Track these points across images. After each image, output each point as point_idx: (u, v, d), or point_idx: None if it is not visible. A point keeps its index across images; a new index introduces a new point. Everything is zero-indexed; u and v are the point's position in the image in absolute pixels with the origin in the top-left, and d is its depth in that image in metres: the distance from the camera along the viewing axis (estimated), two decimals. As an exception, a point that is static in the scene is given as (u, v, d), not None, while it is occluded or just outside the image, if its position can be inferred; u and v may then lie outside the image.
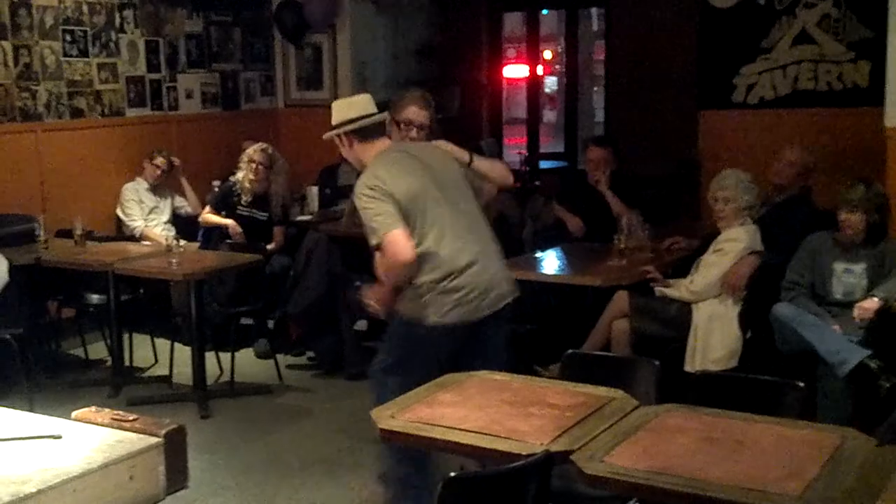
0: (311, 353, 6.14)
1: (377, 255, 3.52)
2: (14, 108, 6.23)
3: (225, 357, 5.80)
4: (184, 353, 5.70)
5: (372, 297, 3.68)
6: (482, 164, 3.90)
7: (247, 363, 6.00)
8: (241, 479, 4.40)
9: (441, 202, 3.57)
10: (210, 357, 5.66)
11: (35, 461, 4.19)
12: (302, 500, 4.18)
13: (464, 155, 3.83)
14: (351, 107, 3.73)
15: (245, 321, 6.21)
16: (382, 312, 3.68)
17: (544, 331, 5.16)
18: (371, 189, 3.50)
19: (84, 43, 6.63)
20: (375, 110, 3.71)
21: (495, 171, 3.97)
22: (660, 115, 7.33)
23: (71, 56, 6.55)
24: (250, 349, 6.24)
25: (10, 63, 6.19)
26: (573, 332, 4.83)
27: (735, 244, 4.67)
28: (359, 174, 3.69)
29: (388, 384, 3.52)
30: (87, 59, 6.65)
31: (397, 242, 3.43)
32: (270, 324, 6.31)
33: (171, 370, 5.74)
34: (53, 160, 6.47)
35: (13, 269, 5.21)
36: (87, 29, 6.64)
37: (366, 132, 3.66)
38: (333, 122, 3.72)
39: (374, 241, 3.47)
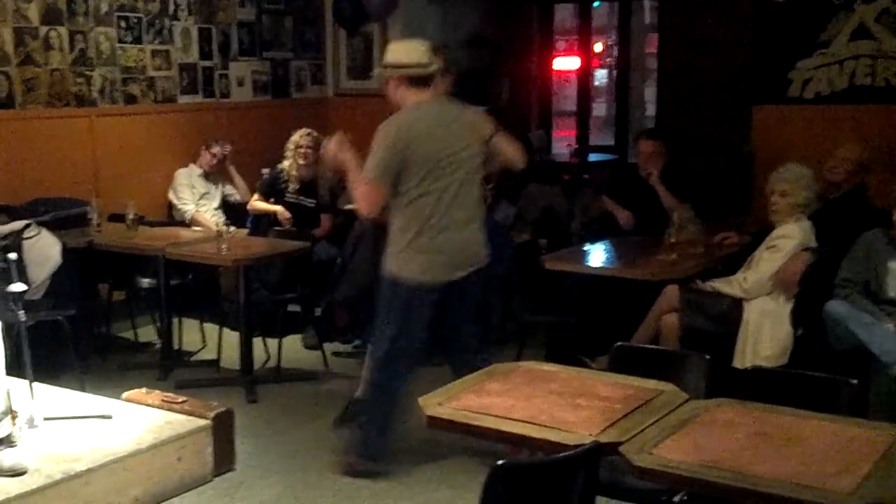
0: (357, 342, 6.17)
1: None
2: (69, 93, 6.33)
3: (272, 343, 5.84)
4: (231, 338, 5.76)
5: (336, 149, 4.00)
6: (502, 141, 4.14)
7: (293, 350, 6.04)
8: (288, 462, 4.44)
9: (447, 169, 3.86)
10: (257, 343, 5.71)
11: (86, 440, 4.24)
12: (347, 485, 4.20)
13: (489, 128, 4.09)
14: (409, 51, 3.95)
15: (292, 308, 6.26)
16: (330, 164, 4.11)
17: (590, 323, 5.14)
18: (391, 136, 3.82)
19: (138, 29, 6.71)
20: (431, 60, 3.93)
21: (511, 150, 4.17)
22: (712, 110, 7.24)
23: (125, 42, 6.63)
24: (297, 336, 6.28)
25: (66, 48, 6.28)
26: (619, 326, 4.80)
27: (788, 241, 4.61)
28: None
29: (396, 354, 4.03)
30: (141, 46, 6.73)
31: (371, 194, 3.84)
32: (317, 311, 6.35)
33: (219, 355, 5.80)
34: (107, 145, 6.56)
35: (66, 252, 5.29)
36: (142, 16, 6.72)
37: (418, 80, 3.90)
38: (389, 62, 3.95)
39: (363, 175, 3.84)
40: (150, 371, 5.67)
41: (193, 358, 6.05)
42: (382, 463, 4.22)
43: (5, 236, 5.09)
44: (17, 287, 4.30)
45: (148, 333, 6.33)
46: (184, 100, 7.06)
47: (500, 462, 2.24)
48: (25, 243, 5.09)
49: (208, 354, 5.99)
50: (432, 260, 3.90)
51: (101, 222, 5.87)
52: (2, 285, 4.58)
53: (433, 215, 3.86)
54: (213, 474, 4.24)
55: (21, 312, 4.26)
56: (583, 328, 5.14)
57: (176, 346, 5.99)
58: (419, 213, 3.86)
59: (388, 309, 4.03)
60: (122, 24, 6.60)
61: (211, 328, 6.14)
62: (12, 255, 4.51)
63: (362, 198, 3.87)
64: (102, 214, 5.92)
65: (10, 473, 3.69)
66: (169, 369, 5.69)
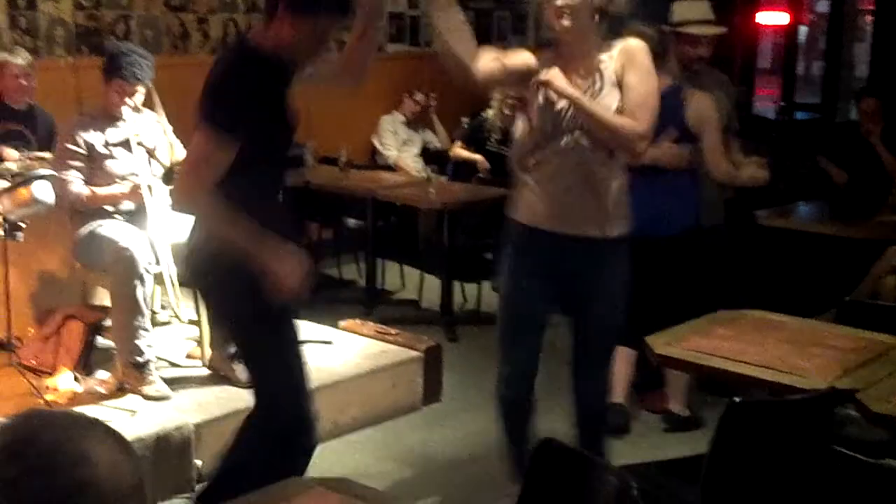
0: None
1: None
2: (290, 40, 6.64)
3: (467, 287, 6.02)
4: (427, 280, 5.98)
5: None
6: None
7: (487, 295, 6.19)
8: (490, 399, 4.56)
9: None
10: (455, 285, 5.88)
11: (311, 361, 4.54)
12: (546, 429, 4.30)
13: None
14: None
15: (485, 255, 6.43)
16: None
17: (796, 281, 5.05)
18: None
19: (352, -21, 6.94)
20: None
21: None
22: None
23: (340, -8, 6.88)
24: (487, 282, 6.43)
25: (287, -3, 6.58)
26: (826, 284, 4.69)
27: None
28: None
29: None
30: (354, -5, 6.96)
31: None
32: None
33: (420, 294, 6.02)
34: (319, 90, 6.83)
35: (284, 190, 5.60)
36: (356, -35, 6.95)
37: None
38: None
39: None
40: (355, 307, 5.93)
41: (394, 297, 6.30)
42: None
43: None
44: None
45: (350, 272, 6.63)
46: (392, 48, 7.27)
47: (736, 399, 2.29)
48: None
49: (407, 295, 6.24)
50: None
51: (314, 164, 6.17)
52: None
53: None
54: (422, 403, 4.50)
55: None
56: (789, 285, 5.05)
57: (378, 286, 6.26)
58: None
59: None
60: (338, -27, 6.84)
61: (408, 270, 6.39)
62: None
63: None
64: (316, 156, 6.22)
65: (247, 386, 4.04)
66: (372, 306, 5.95)
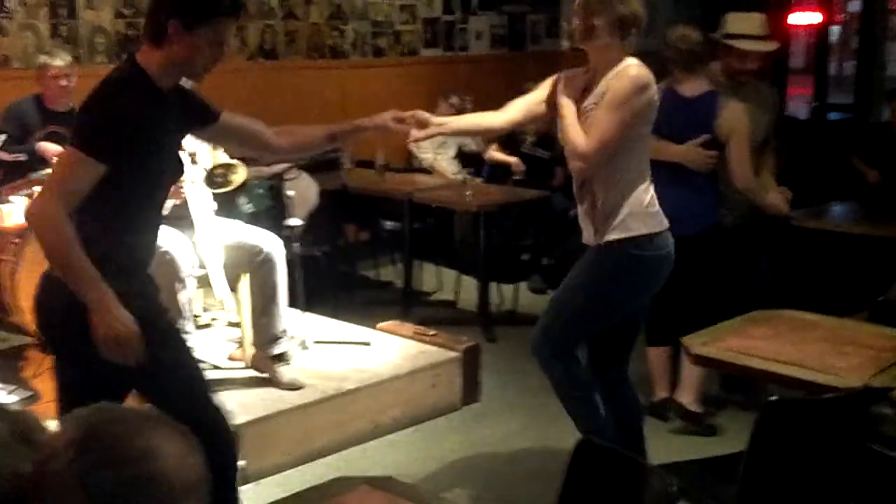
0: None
1: None
2: (324, 46, 6.75)
3: (503, 288, 6.08)
4: (464, 281, 6.05)
5: None
6: None
7: (523, 296, 6.26)
8: (529, 399, 4.64)
9: None
10: (491, 286, 5.94)
11: (351, 362, 4.66)
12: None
13: None
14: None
15: (522, 257, 6.49)
16: None
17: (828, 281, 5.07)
18: None
19: (389, -17, 7.06)
20: None
21: None
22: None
23: (376, -3, 7.00)
24: (523, 283, 6.49)
25: (324, 3, 6.70)
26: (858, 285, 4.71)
27: None
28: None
29: None
30: (390, 1, 7.07)
31: None
32: (544, 260, 6.55)
33: (457, 295, 6.09)
34: (356, 95, 6.96)
35: (322, 194, 5.71)
36: (393, -30, 7.07)
37: None
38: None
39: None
40: (392, 308, 6.01)
41: (431, 298, 6.38)
42: None
43: (270, 177, 5.55)
44: (295, 221, 4.75)
45: (388, 273, 6.72)
46: (426, 53, 7.36)
47: (772, 398, 2.34)
48: (287, 184, 5.54)
49: (444, 296, 6.31)
50: None
51: (351, 167, 6.26)
52: (271, 221, 5.04)
53: None
54: (461, 403, 4.56)
55: (296, 245, 4.71)
56: (823, 285, 5.07)
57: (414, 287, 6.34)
58: None
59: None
60: (374, -22, 6.97)
61: (445, 272, 6.46)
62: (290, 193, 4.97)
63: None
64: (353, 160, 6.32)
65: (289, 387, 4.14)
66: (410, 307, 6.03)
